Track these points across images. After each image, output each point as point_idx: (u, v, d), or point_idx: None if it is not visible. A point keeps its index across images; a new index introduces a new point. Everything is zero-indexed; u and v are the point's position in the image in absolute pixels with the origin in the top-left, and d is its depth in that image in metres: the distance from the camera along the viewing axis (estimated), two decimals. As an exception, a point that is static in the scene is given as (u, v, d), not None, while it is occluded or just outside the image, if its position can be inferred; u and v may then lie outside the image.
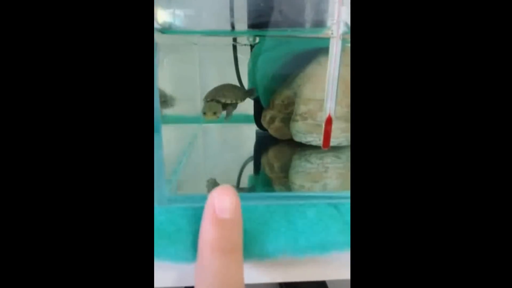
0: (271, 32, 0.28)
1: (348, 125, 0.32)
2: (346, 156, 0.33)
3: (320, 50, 0.34)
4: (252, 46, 0.40)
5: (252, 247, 0.20)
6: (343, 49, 0.23)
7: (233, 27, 0.28)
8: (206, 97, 0.38)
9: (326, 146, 0.25)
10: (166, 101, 0.28)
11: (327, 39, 0.29)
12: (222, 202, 0.18)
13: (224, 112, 0.38)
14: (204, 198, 0.18)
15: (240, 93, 0.39)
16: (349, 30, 0.23)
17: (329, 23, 0.27)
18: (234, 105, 0.38)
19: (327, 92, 0.23)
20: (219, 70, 0.44)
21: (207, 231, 0.18)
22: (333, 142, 0.26)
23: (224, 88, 0.38)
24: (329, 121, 0.24)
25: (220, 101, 0.37)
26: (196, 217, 0.20)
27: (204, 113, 0.35)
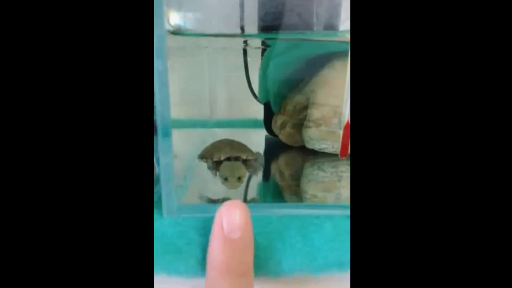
0: (286, 34, 0.27)
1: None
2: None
3: (334, 55, 0.33)
4: (263, 50, 0.39)
5: (266, 264, 0.18)
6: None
7: (242, 30, 0.27)
8: (211, 156, 0.27)
9: (344, 155, 0.24)
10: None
11: (342, 43, 0.28)
12: (231, 221, 0.16)
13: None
14: (215, 208, 0.17)
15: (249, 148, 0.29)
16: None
17: (346, 26, 0.26)
18: (257, 161, 0.28)
19: (346, 98, 0.22)
20: (229, 74, 0.43)
21: (216, 252, 0.16)
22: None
23: (226, 144, 0.28)
24: (347, 128, 0.23)
25: (241, 158, 0.26)
26: (207, 228, 0.19)
27: (226, 179, 0.24)
